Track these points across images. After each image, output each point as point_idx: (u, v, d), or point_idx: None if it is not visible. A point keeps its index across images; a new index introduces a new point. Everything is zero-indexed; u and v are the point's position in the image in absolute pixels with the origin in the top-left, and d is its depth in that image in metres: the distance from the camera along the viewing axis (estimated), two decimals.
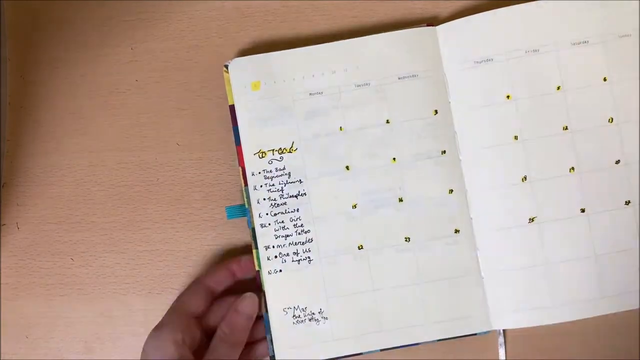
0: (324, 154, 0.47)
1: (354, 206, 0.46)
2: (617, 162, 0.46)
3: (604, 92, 0.46)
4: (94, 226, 0.49)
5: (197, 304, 0.45)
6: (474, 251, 0.46)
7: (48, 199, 0.49)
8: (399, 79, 0.47)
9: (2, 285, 0.49)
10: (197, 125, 0.49)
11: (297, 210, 0.46)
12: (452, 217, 0.47)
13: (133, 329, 0.49)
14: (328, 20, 0.49)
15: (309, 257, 0.46)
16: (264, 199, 0.46)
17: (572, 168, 0.46)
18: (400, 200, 0.46)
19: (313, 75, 0.47)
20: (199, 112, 0.49)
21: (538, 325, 0.46)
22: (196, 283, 0.46)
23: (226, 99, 0.47)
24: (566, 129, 0.46)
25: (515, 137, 0.46)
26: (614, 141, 0.46)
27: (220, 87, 0.49)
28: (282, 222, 0.46)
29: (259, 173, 0.47)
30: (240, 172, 0.47)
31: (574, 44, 0.46)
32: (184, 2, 0.50)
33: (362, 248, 0.46)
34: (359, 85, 0.47)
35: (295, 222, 0.46)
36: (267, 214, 0.46)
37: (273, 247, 0.46)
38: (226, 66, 0.47)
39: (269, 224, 0.46)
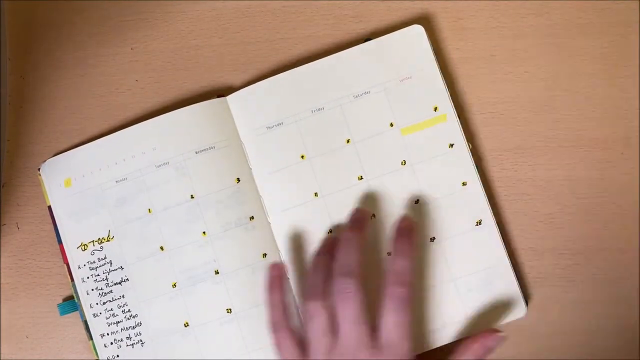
0: (138, 238, 0.47)
1: (174, 285, 0.47)
2: (417, 202, 0.47)
3: (393, 137, 0.47)
4: None
5: None
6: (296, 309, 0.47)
7: None
8: (196, 153, 0.47)
9: (2, 285, 0.49)
10: None
11: (123, 296, 0.47)
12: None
13: None
14: (329, 21, 0.49)
15: (140, 341, 0.47)
16: (92, 290, 0.47)
17: (373, 215, 0.47)
18: (217, 272, 0.47)
19: (116, 163, 0.48)
20: None
21: None
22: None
23: None
24: (361, 178, 0.47)
25: (316, 194, 0.47)
26: (410, 182, 0.47)
27: (219, 86, 0.49)
28: (112, 309, 0.47)
29: (84, 265, 0.48)
30: (66, 269, 0.48)
31: (356, 96, 0.47)
32: (184, 2, 0.50)
33: (188, 325, 0.47)
34: (159, 166, 0.48)
35: (123, 308, 0.47)
36: (97, 303, 0.47)
37: (108, 334, 0.47)
38: (39, 169, 0.48)
39: (100, 313, 0.47)
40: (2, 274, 0.49)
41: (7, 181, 0.50)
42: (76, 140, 0.50)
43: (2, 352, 0.49)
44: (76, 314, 0.48)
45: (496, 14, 0.49)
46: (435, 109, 0.47)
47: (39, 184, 0.49)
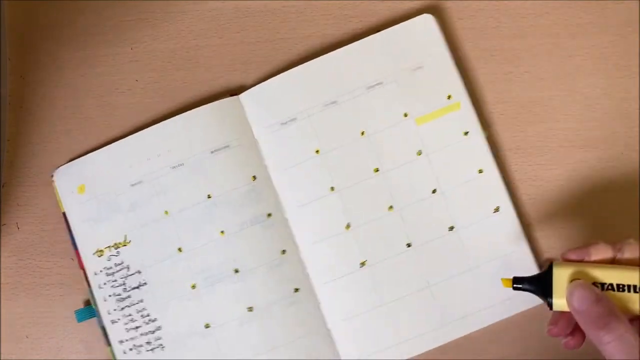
0: (156, 241, 0.47)
1: (193, 286, 0.47)
2: (434, 191, 0.47)
3: (407, 127, 0.47)
4: None
5: None
6: (317, 306, 0.47)
7: (48, 199, 0.49)
8: (211, 153, 0.47)
9: (2, 285, 0.49)
10: None
11: (142, 300, 0.47)
12: (289, 277, 0.47)
13: None
14: (329, 20, 0.49)
15: (161, 345, 0.46)
16: (110, 296, 0.47)
17: (391, 206, 0.47)
18: (236, 271, 0.47)
19: (130, 166, 0.47)
20: None
21: None
22: None
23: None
24: (377, 170, 0.47)
25: (332, 189, 0.47)
26: (427, 172, 0.47)
27: (220, 86, 0.49)
28: (130, 315, 0.47)
29: (101, 271, 0.47)
30: (82, 275, 0.47)
31: (369, 87, 0.47)
32: (184, 2, 0.50)
33: (208, 327, 0.46)
34: (174, 167, 0.47)
35: (141, 313, 0.47)
36: (114, 309, 0.47)
37: (127, 340, 0.47)
38: (52, 176, 0.48)
39: (119, 319, 0.47)
40: (2, 274, 0.49)
41: (7, 181, 0.49)
42: (76, 140, 0.49)
43: (2, 352, 0.48)
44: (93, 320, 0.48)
45: (496, 14, 0.49)
46: (449, 97, 0.47)
47: (38, 184, 0.49)
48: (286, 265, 0.47)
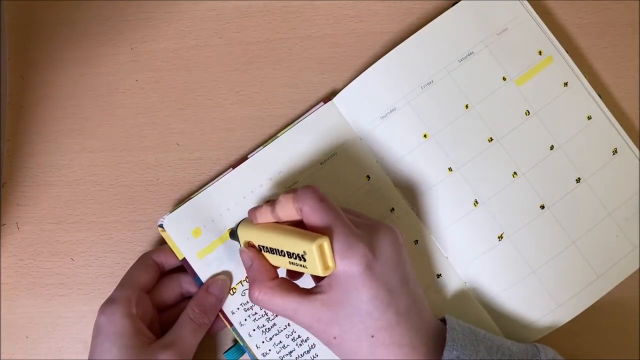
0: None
1: None
2: (552, 147, 0.47)
3: (509, 90, 0.47)
4: (94, 226, 0.49)
5: (147, 279, 0.45)
6: (463, 286, 0.46)
7: (48, 199, 0.49)
8: (321, 164, 0.47)
9: (2, 285, 0.49)
10: (197, 125, 0.49)
11: (288, 324, 0.45)
12: (429, 265, 0.46)
13: None
14: (329, 20, 0.49)
15: None
16: (254, 330, 0.45)
17: (515, 173, 0.46)
18: None
19: (244, 197, 0.46)
20: (199, 112, 0.49)
21: (552, 330, 0.46)
22: (145, 258, 0.46)
23: (223, 105, 0.49)
24: (491, 140, 0.47)
25: (450, 169, 0.46)
26: (540, 130, 0.47)
27: (221, 87, 0.49)
28: (280, 342, 0.45)
29: (238, 309, 0.46)
30: (220, 315, 0.46)
31: (461, 60, 0.47)
32: (184, 2, 0.50)
33: None
34: (288, 187, 0.47)
35: (292, 337, 0.45)
36: (262, 341, 0.45)
37: None
38: (161, 225, 0.46)
39: (270, 350, 0.45)
40: (2, 274, 0.49)
41: (7, 181, 0.49)
42: (76, 140, 0.49)
43: (2, 352, 0.48)
44: None
45: None
46: (540, 52, 0.47)
47: (38, 184, 0.49)
48: (423, 254, 0.46)
